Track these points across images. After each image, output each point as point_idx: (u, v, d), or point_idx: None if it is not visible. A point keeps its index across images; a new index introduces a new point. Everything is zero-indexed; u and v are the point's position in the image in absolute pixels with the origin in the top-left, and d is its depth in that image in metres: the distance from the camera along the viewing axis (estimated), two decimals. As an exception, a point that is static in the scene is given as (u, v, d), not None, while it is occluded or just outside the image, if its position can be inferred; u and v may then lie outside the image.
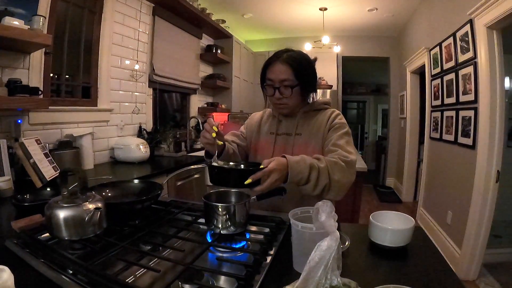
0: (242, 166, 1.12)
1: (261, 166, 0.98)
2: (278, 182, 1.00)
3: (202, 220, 1.10)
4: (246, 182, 0.94)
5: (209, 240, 0.99)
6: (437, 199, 3.63)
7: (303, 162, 1.05)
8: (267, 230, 1.06)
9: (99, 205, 0.93)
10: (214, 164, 1.05)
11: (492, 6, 2.40)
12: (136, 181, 1.30)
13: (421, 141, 5.08)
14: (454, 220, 3.10)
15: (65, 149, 2.31)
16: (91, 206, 0.91)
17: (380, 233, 0.99)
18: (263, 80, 1.33)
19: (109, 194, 1.21)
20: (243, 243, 0.98)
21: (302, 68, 1.26)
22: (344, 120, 1.34)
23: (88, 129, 2.58)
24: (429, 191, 4.00)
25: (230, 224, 0.97)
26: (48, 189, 1.58)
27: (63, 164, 2.21)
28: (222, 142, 1.18)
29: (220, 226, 0.97)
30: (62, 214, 0.87)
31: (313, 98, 1.40)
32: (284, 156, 1.06)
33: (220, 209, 0.97)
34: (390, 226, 0.99)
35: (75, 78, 2.66)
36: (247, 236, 1.03)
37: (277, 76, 1.25)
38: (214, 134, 1.10)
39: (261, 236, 1.00)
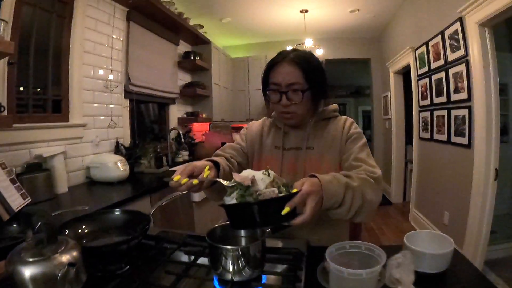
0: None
1: (294, 190, 0.77)
2: (318, 208, 0.81)
3: (203, 259, 0.91)
4: (283, 212, 0.72)
5: (219, 291, 0.79)
6: (431, 199, 3.57)
7: (336, 181, 0.88)
8: (284, 266, 0.87)
9: (74, 254, 0.73)
10: (230, 201, 0.79)
11: (484, 3, 2.35)
12: (117, 211, 1.08)
13: (407, 142, 5.04)
14: (452, 221, 3.04)
15: (35, 172, 2.04)
16: (64, 259, 0.70)
17: (416, 258, 0.83)
18: (266, 84, 1.15)
19: (86, 231, 1.00)
20: (260, 289, 0.79)
21: (313, 69, 1.10)
22: (360, 129, 1.18)
23: (60, 148, 2.32)
24: (421, 191, 3.94)
25: (245, 268, 0.78)
26: (15, 225, 1.33)
27: (33, 189, 1.95)
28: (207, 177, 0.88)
29: (231, 270, 0.78)
30: (27, 271, 0.67)
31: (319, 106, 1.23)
32: (312, 176, 0.87)
33: (231, 253, 0.77)
34: (427, 250, 0.84)
35: (44, 91, 2.39)
36: (263, 279, 0.83)
37: (284, 79, 1.07)
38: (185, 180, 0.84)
39: (279, 278, 0.82)
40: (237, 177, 0.78)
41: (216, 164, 0.98)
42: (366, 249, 0.75)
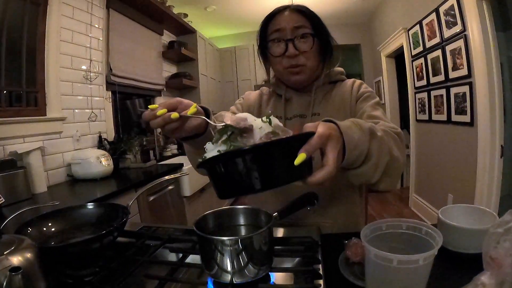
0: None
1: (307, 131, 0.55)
2: (340, 161, 0.59)
3: (194, 257, 0.74)
4: (297, 161, 0.50)
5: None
6: (433, 183, 3.47)
7: (357, 127, 0.65)
8: (295, 260, 0.71)
9: (28, 256, 0.56)
10: (213, 149, 0.55)
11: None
12: (90, 206, 0.91)
13: (402, 126, 4.93)
14: (456, 202, 2.91)
15: (8, 170, 1.86)
16: (12, 262, 0.54)
17: (453, 235, 0.70)
18: (264, 40, 0.99)
19: (53, 229, 0.83)
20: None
21: (318, 19, 0.95)
22: (371, 89, 1.03)
23: (37, 144, 2.13)
24: (421, 176, 3.84)
25: (248, 265, 0.60)
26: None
27: (8, 189, 1.79)
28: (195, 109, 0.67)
29: (230, 270, 0.59)
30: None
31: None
32: (328, 121, 0.63)
33: (229, 246, 0.58)
34: (466, 225, 0.71)
35: (17, 83, 2.19)
36: (272, 279, 0.65)
37: (289, 22, 0.92)
38: (163, 111, 0.63)
39: (291, 275, 0.66)
40: (229, 119, 0.56)
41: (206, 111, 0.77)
42: (409, 228, 0.58)
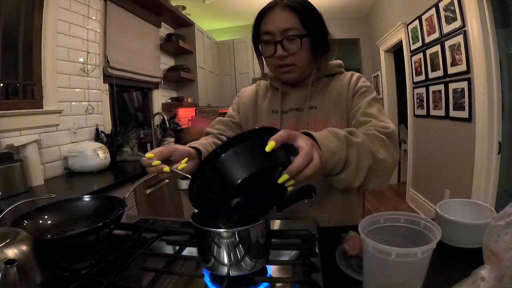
0: None
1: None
2: (319, 153, 0.59)
3: (190, 250, 0.74)
4: (268, 148, 0.52)
5: (212, 289, 0.61)
6: (430, 178, 3.48)
7: (334, 136, 0.67)
8: (293, 252, 0.71)
9: (24, 249, 0.56)
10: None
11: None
12: (87, 198, 0.90)
13: (400, 121, 4.94)
14: (454, 198, 2.93)
15: (5, 163, 1.85)
16: (7, 255, 0.53)
17: (451, 230, 0.71)
18: (257, 38, 0.98)
19: (49, 222, 0.82)
20: (265, 286, 0.61)
21: (310, 13, 0.93)
22: (369, 83, 1.02)
23: (33, 137, 2.12)
24: (418, 171, 3.85)
25: (245, 258, 0.60)
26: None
27: (5, 182, 1.78)
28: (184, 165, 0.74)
29: (226, 263, 0.59)
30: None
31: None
32: (304, 133, 0.66)
33: (226, 238, 0.58)
34: (464, 219, 0.71)
35: (14, 76, 2.18)
36: (269, 272, 0.65)
37: (278, 25, 0.91)
38: (157, 163, 0.72)
39: (289, 268, 0.66)
40: None
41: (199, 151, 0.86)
42: (408, 221, 0.57)
